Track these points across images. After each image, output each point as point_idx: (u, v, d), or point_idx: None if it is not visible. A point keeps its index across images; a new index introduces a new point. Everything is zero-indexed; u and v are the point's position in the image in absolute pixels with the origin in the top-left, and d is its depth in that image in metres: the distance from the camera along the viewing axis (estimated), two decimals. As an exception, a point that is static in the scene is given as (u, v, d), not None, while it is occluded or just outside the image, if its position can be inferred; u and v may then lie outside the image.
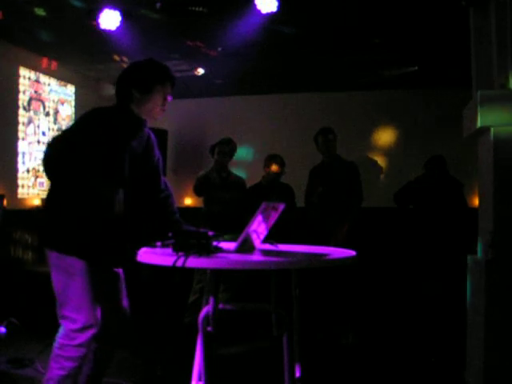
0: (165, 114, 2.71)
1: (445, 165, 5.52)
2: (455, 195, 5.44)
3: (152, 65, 2.66)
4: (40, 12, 4.92)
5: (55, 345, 2.43)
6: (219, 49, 5.85)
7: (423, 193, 5.44)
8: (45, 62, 6.45)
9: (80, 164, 2.30)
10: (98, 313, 2.40)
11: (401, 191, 5.62)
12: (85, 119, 2.50)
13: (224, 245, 2.42)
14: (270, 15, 4.72)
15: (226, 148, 4.97)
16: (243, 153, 7.25)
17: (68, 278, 2.41)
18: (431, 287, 5.04)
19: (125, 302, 2.62)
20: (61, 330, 2.43)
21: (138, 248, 2.45)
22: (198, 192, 5.07)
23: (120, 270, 2.63)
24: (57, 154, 2.32)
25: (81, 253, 2.39)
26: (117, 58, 6.14)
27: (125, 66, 6.39)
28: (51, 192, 2.50)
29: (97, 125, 2.42)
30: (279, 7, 4.62)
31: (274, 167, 5.08)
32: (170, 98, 2.66)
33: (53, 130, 6.83)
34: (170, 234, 2.44)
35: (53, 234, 2.44)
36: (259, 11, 4.67)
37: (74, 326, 2.38)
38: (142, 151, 2.64)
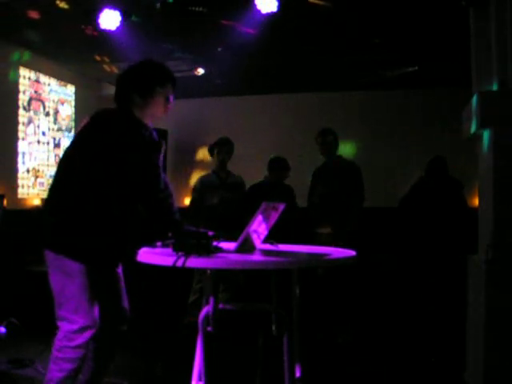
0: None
1: (446, 166, 5.51)
2: (455, 196, 5.44)
3: (150, 67, 2.58)
4: (40, 12, 4.92)
5: (54, 347, 2.41)
6: (219, 49, 5.84)
7: (424, 194, 5.44)
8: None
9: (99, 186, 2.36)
10: (96, 313, 2.38)
11: (407, 197, 5.59)
12: (92, 130, 2.44)
13: (224, 245, 2.42)
14: (270, 15, 4.72)
15: (225, 147, 5.00)
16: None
17: (66, 278, 2.38)
18: (431, 287, 5.04)
19: (124, 302, 2.61)
20: (59, 332, 2.41)
21: (138, 248, 2.45)
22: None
23: (119, 270, 2.61)
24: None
25: (79, 255, 2.37)
26: (116, 57, 6.13)
27: (126, 65, 6.45)
28: (56, 195, 2.47)
29: (108, 136, 2.38)
30: (279, 7, 4.62)
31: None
32: (172, 99, 2.59)
33: (53, 129, 6.82)
34: (169, 234, 2.44)
35: (52, 235, 2.42)
36: (259, 11, 4.67)
37: (72, 327, 2.36)
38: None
